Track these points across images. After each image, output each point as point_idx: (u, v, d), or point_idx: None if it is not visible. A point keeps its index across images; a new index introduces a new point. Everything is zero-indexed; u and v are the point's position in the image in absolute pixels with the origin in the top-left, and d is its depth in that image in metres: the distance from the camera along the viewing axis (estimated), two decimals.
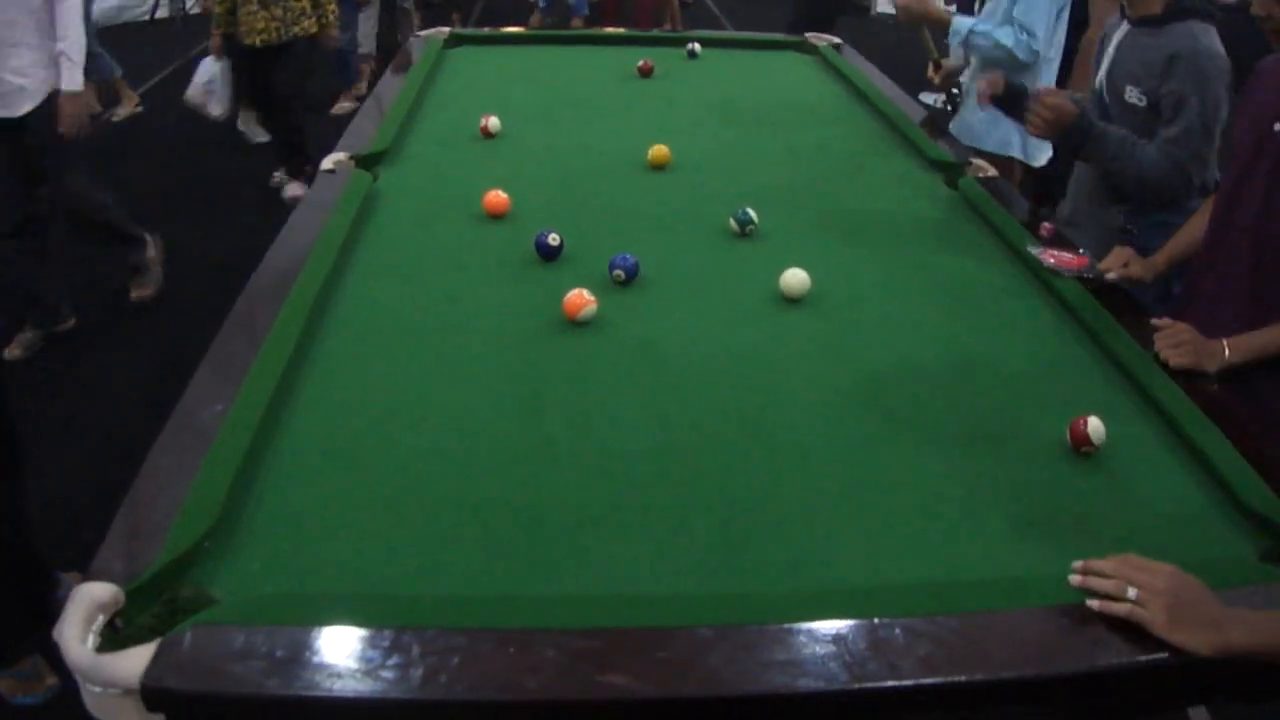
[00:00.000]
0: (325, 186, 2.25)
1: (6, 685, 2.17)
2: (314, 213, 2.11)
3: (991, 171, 2.51)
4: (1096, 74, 2.31)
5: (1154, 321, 1.75)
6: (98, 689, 1.01)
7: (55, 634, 1.04)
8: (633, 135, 2.69)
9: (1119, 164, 2.15)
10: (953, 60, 3.33)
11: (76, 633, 1.03)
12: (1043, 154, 3.20)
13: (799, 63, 3.59)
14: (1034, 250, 2.02)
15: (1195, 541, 1.31)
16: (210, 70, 4.56)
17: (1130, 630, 1.10)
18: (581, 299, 1.76)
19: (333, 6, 4.63)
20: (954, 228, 2.25)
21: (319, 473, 1.38)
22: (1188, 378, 1.62)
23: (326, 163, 2.36)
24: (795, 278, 1.87)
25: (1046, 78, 3.09)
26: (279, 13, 4.41)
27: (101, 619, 1.05)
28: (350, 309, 1.80)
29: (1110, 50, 2.26)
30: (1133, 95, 2.17)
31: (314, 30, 4.58)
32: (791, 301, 1.87)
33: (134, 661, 1.00)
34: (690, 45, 3.59)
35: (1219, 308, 1.85)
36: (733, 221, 2.14)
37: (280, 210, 4.35)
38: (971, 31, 2.99)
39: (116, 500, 1.26)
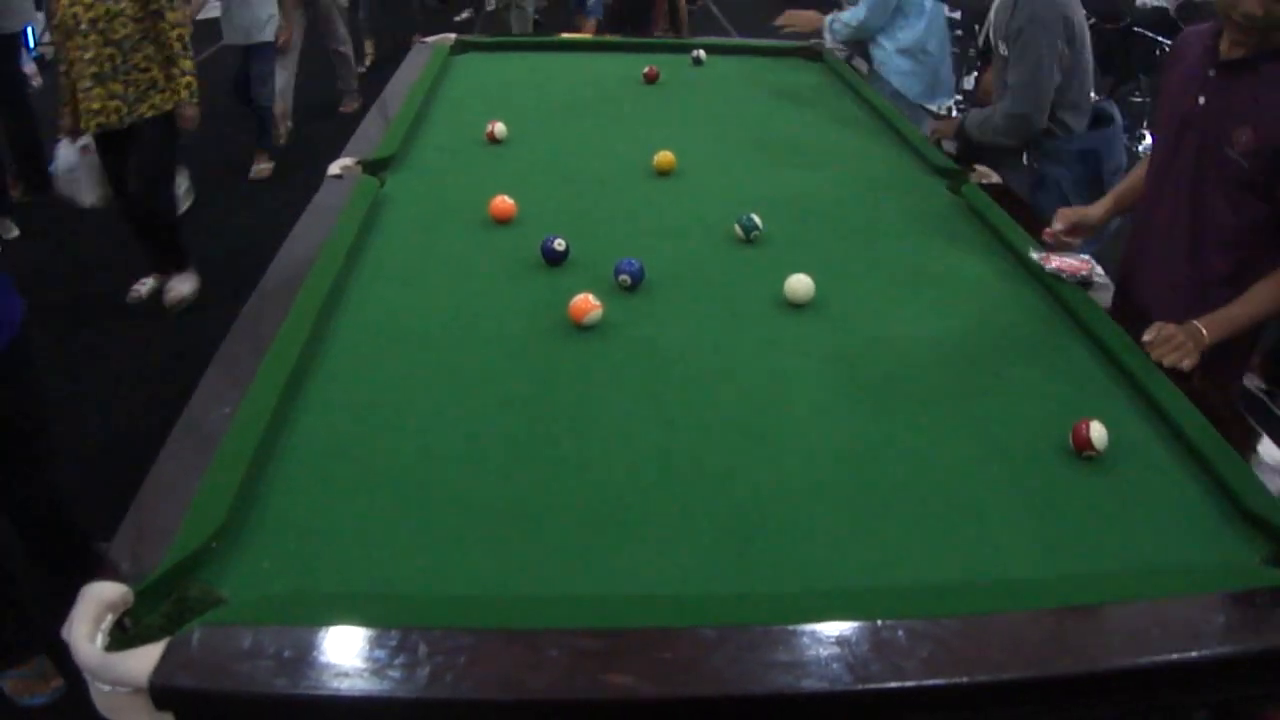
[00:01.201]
0: (332, 192, 2.26)
1: (13, 685, 2.18)
2: (321, 217, 2.12)
3: (995, 178, 2.52)
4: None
5: (1145, 337, 1.76)
6: (107, 688, 1.01)
7: (64, 633, 1.05)
8: (638, 141, 2.70)
9: (985, 138, 2.75)
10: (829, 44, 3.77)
11: (86, 632, 1.04)
12: (941, 97, 3.76)
13: (804, 69, 3.60)
14: (1037, 255, 2.03)
15: (1199, 545, 1.31)
16: (68, 156, 3.50)
17: (1133, 634, 1.11)
18: (587, 304, 1.76)
19: (188, 79, 3.46)
20: (957, 233, 2.26)
21: (326, 474, 1.38)
22: (1187, 378, 1.63)
23: (334, 168, 2.38)
24: (799, 283, 1.88)
25: (906, 37, 3.64)
26: (119, 89, 3.36)
27: (110, 618, 1.06)
28: (357, 313, 1.81)
29: (990, 14, 2.78)
30: (1002, 48, 2.67)
31: (169, 106, 3.48)
32: (796, 306, 1.88)
33: (143, 660, 1.01)
34: (695, 52, 3.61)
35: (1162, 268, 1.99)
36: (737, 227, 2.15)
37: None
38: (832, 21, 3.72)
39: (125, 501, 1.27)
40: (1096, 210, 2.19)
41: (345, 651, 1.05)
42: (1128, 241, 2.16)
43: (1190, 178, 1.91)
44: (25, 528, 2.23)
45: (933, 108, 3.67)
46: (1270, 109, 1.77)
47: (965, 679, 1.05)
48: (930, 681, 1.05)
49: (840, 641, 1.08)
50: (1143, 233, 2.09)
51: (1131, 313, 1.85)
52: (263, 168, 5.25)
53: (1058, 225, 2.12)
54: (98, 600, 1.07)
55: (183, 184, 4.28)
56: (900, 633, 1.09)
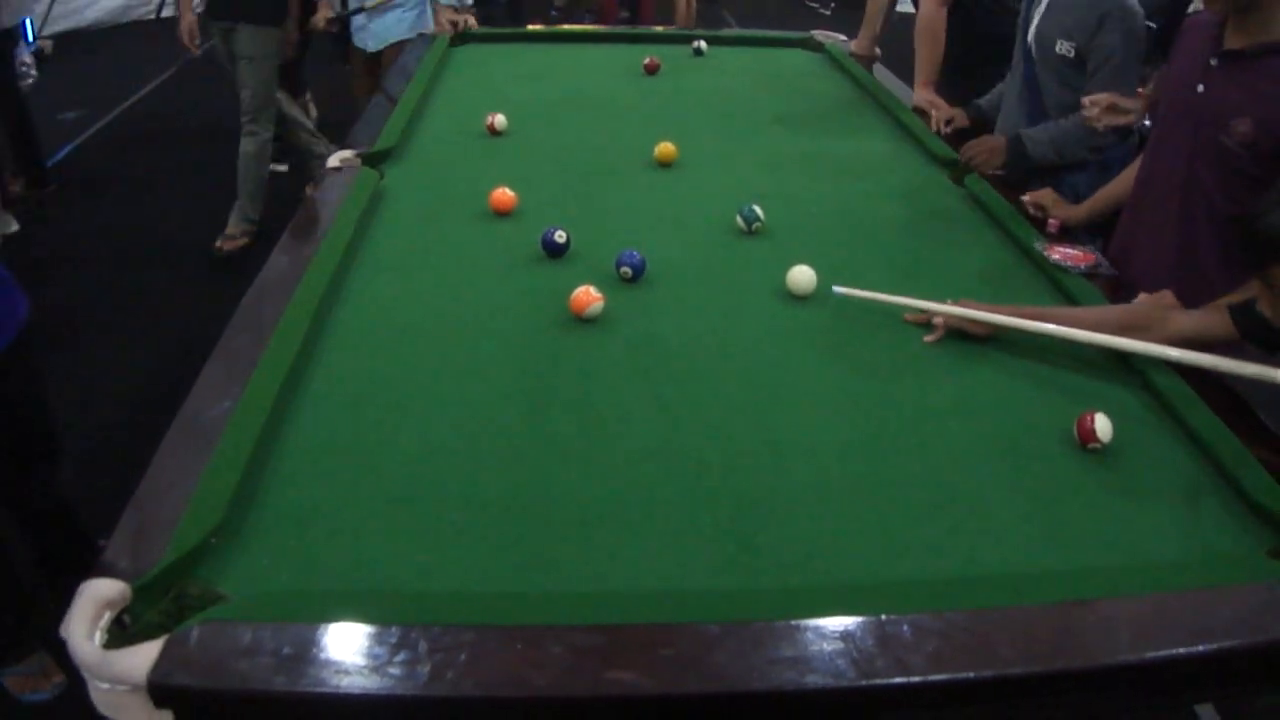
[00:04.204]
0: (332, 184, 2.25)
1: (14, 682, 2.18)
2: (321, 210, 2.11)
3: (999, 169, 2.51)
4: (1027, 30, 2.53)
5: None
6: (105, 685, 1.00)
7: (62, 630, 1.04)
8: (639, 133, 2.69)
9: (1066, 155, 2.45)
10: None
11: (84, 629, 1.03)
12: None
13: (805, 60, 3.59)
14: (1041, 246, 2.02)
15: (1203, 537, 1.30)
16: None
17: (1138, 627, 1.10)
18: (588, 296, 1.75)
19: None
20: (960, 224, 2.25)
21: (326, 469, 1.38)
22: (1199, 375, 1.62)
23: (333, 160, 2.37)
24: (802, 274, 1.87)
25: None
26: None
27: (109, 615, 1.06)
28: (356, 306, 1.80)
29: (1041, 6, 2.48)
30: (1063, 47, 2.43)
31: None
32: (798, 298, 1.87)
33: (141, 658, 1.00)
34: (696, 43, 3.59)
35: (1151, 249, 1.99)
36: (739, 218, 2.14)
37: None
38: None
39: (124, 497, 1.26)
40: (1081, 212, 2.22)
41: (345, 648, 1.04)
42: (1120, 222, 2.16)
43: (1185, 162, 1.91)
44: (31, 523, 2.23)
45: None
46: (1271, 101, 1.76)
47: (970, 674, 1.05)
48: (935, 676, 1.04)
49: (844, 636, 1.07)
50: (1134, 213, 2.09)
51: (1127, 296, 1.84)
52: None
53: (1036, 196, 2.25)
54: (96, 597, 1.06)
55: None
56: (905, 627, 1.08)
